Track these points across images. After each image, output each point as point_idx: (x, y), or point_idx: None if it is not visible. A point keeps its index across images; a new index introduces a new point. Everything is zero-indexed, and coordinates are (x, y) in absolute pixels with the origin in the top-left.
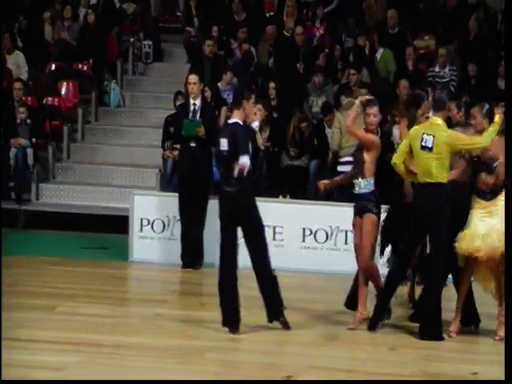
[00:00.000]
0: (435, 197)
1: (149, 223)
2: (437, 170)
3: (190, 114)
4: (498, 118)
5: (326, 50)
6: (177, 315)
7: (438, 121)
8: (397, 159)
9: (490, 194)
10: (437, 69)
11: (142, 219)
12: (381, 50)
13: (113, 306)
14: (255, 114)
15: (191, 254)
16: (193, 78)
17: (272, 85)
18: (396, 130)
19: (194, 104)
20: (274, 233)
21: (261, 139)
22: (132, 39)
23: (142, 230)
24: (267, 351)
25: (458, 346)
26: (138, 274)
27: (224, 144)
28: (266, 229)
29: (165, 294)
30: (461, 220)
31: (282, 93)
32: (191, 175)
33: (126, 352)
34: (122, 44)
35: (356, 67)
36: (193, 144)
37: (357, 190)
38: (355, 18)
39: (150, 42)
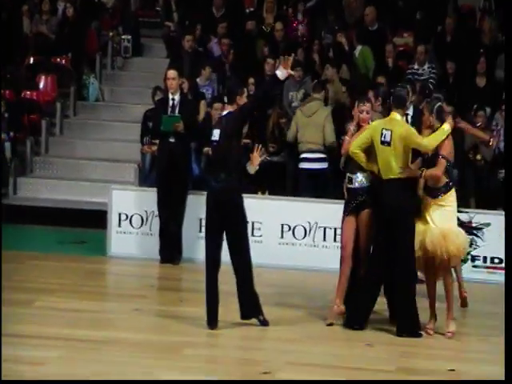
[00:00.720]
0: (398, 192)
1: (127, 218)
2: (397, 165)
3: (169, 109)
4: (446, 126)
5: (305, 46)
6: (155, 310)
7: (397, 116)
8: (355, 148)
9: (434, 191)
10: (416, 66)
11: (120, 214)
12: (359, 47)
13: (91, 300)
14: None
15: (170, 249)
16: (172, 73)
17: (251, 80)
18: None
19: (173, 99)
20: (253, 229)
21: None
22: (111, 33)
23: (120, 224)
24: (245, 347)
25: (436, 343)
26: (117, 268)
27: (216, 134)
28: None
29: (143, 289)
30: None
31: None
32: (170, 170)
33: (105, 347)
34: (101, 38)
35: (335, 63)
36: (172, 139)
37: (355, 184)
38: (335, 15)
39: (130, 37)
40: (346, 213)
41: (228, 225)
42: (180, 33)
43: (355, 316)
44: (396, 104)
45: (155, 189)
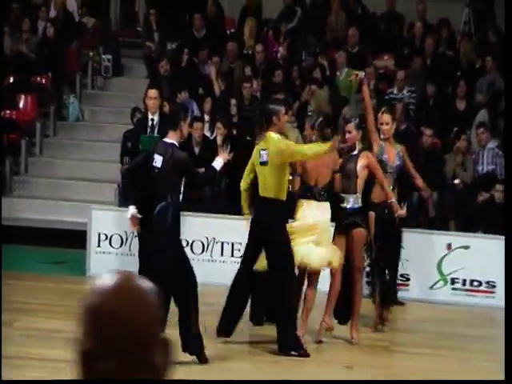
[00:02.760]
0: (272, 213)
1: (107, 238)
2: (275, 185)
3: (148, 130)
4: (334, 141)
5: (285, 67)
6: None
7: (273, 135)
8: (243, 184)
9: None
10: (395, 91)
11: (99, 234)
12: (345, 70)
13: (71, 321)
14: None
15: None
16: (153, 92)
17: (233, 101)
18: None
19: (152, 119)
20: None
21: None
22: (91, 53)
23: (99, 244)
24: (209, 368)
25: (410, 364)
26: None
27: (158, 161)
28: None
29: None
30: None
31: (242, 110)
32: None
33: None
34: (81, 58)
35: (318, 84)
36: None
37: (347, 205)
38: (316, 36)
39: (110, 57)
40: (336, 231)
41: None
42: (160, 53)
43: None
44: (264, 123)
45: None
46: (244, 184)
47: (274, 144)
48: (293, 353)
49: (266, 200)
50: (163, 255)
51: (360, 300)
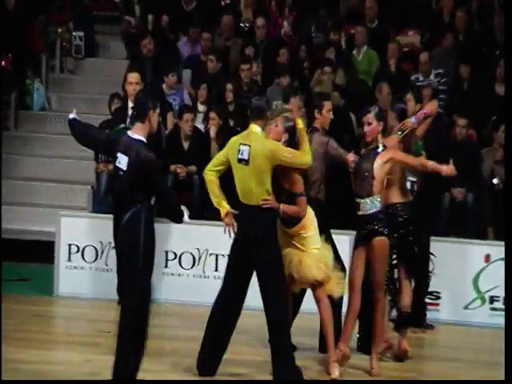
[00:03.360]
0: (256, 223)
1: (78, 250)
2: (257, 190)
3: (128, 120)
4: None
5: (292, 46)
6: (111, 361)
7: (257, 129)
8: (207, 172)
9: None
10: (420, 77)
11: (70, 245)
12: (364, 48)
13: (36, 349)
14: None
15: None
16: (133, 77)
17: (229, 86)
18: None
19: (133, 108)
20: None
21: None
22: (60, 30)
23: (70, 258)
24: None
25: None
26: (66, 311)
27: (123, 161)
28: None
29: (97, 335)
30: None
31: (239, 96)
32: None
33: None
34: (48, 35)
35: (330, 66)
36: None
37: (363, 210)
38: (327, 9)
39: (82, 34)
40: (355, 244)
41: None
42: (142, 29)
43: None
44: (254, 115)
45: (112, 216)
46: (210, 175)
47: (259, 142)
48: None
49: (251, 208)
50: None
51: (382, 322)
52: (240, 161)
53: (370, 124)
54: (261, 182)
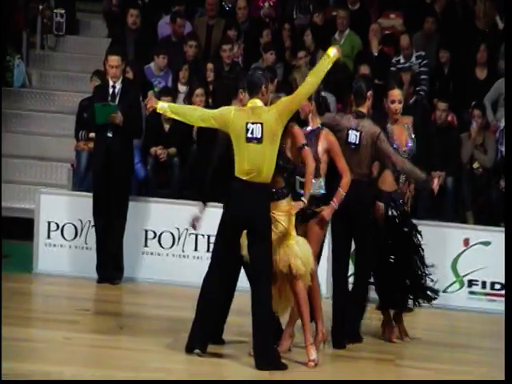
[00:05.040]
0: (262, 202)
1: (58, 228)
2: (267, 169)
3: (109, 99)
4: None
5: (273, 27)
6: (90, 340)
7: (260, 103)
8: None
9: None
10: (401, 59)
11: (49, 223)
12: (346, 32)
13: (14, 326)
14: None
15: (108, 267)
16: (114, 59)
17: (210, 66)
18: None
19: (114, 86)
20: None
21: None
22: (41, 6)
23: (49, 236)
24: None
25: None
26: (44, 288)
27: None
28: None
29: (76, 313)
30: None
31: (219, 76)
32: (107, 171)
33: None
34: (28, 12)
35: (311, 48)
36: (109, 134)
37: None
38: None
39: (63, 11)
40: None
41: None
42: (124, 7)
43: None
44: (251, 91)
45: (91, 194)
46: (196, 120)
47: (268, 114)
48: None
49: (255, 186)
50: None
51: (317, 308)
52: (250, 140)
53: (400, 102)
54: (272, 161)
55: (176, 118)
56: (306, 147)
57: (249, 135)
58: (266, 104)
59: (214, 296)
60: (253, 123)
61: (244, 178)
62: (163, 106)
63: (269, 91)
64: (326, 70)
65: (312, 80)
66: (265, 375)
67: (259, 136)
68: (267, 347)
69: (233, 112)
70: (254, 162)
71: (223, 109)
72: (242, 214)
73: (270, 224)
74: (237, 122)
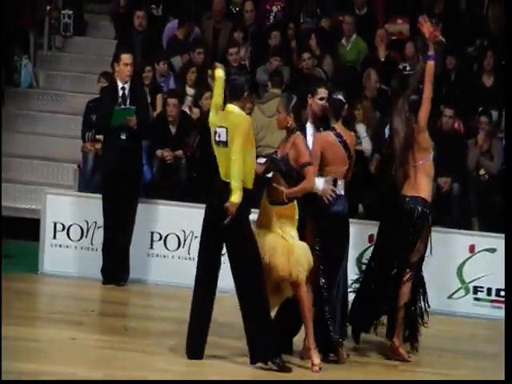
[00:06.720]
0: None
1: (64, 229)
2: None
3: (119, 100)
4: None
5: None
6: (95, 340)
7: (235, 109)
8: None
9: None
10: (408, 67)
11: (55, 224)
12: (353, 37)
13: (19, 326)
14: None
15: (115, 268)
16: (128, 57)
17: (210, 72)
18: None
19: (123, 88)
20: None
21: None
22: (49, 7)
23: (55, 236)
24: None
25: None
26: (50, 289)
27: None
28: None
29: (81, 314)
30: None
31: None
32: (119, 173)
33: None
34: (36, 12)
35: (318, 52)
36: (123, 136)
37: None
38: None
39: (71, 12)
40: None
41: None
42: (131, 9)
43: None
44: (232, 95)
45: (98, 195)
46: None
47: (235, 120)
48: (269, 364)
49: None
50: None
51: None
52: (218, 143)
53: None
54: (245, 166)
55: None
56: (309, 166)
57: (216, 138)
58: (242, 109)
59: (211, 298)
60: (220, 127)
61: (224, 180)
62: None
63: (247, 98)
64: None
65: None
66: (266, 376)
67: (224, 140)
68: (262, 339)
69: (210, 116)
70: (225, 164)
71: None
72: (222, 215)
73: (249, 224)
74: (211, 126)
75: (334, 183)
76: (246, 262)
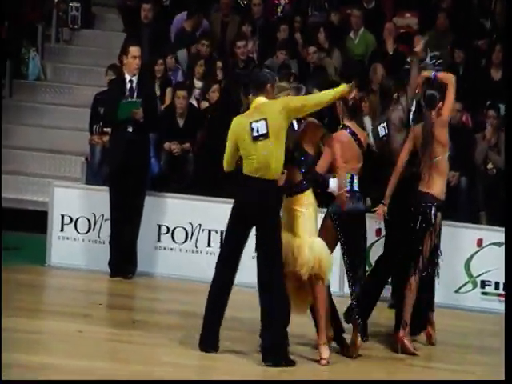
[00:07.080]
0: (270, 194)
1: (71, 221)
2: (276, 165)
3: (127, 93)
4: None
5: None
6: (102, 333)
7: (263, 99)
8: (226, 167)
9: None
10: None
11: (63, 216)
12: (361, 30)
13: (26, 319)
14: None
15: (122, 260)
16: (136, 50)
17: (219, 64)
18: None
19: (131, 81)
20: None
21: None
22: (57, 0)
23: (62, 229)
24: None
25: None
26: (57, 281)
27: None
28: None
29: (89, 306)
30: None
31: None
32: (126, 166)
33: (42, 374)
34: (44, 5)
35: (327, 46)
36: (130, 129)
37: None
38: None
39: (79, 4)
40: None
41: None
42: (138, 1)
43: None
44: (256, 90)
45: (106, 187)
46: (229, 164)
47: (271, 108)
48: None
49: (265, 182)
50: None
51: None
52: (256, 138)
53: None
54: (279, 156)
55: None
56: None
57: (254, 134)
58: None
59: (227, 291)
60: (257, 121)
61: (253, 176)
62: None
63: (274, 90)
64: (332, 100)
65: (322, 97)
66: (274, 373)
67: (265, 131)
68: (278, 343)
69: (233, 122)
70: (264, 158)
71: (230, 131)
72: (252, 211)
73: (280, 221)
74: (241, 128)
75: (351, 180)
76: (274, 253)
